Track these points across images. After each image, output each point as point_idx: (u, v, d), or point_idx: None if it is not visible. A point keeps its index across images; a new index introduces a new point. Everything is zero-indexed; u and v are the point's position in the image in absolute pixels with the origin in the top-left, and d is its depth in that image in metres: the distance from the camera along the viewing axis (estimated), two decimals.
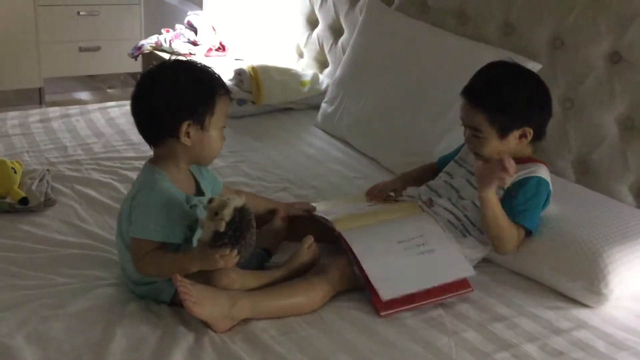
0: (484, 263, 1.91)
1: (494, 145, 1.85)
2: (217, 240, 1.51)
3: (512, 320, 1.69)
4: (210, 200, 1.53)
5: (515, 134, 1.85)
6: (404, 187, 2.09)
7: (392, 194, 2.08)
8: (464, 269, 1.78)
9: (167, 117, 1.62)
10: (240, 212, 1.52)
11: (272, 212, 1.97)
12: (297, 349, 1.52)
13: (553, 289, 1.83)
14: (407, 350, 1.55)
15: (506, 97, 1.83)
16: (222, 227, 1.49)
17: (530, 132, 1.85)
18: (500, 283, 1.85)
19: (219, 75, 1.70)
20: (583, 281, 1.76)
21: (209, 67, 1.70)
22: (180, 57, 1.77)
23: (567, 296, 1.80)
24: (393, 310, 1.67)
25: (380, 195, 2.06)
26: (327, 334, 1.59)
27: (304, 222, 1.95)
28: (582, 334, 1.66)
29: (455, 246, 1.83)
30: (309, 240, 1.79)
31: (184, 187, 1.69)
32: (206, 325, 1.57)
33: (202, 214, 1.63)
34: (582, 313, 1.75)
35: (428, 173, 2.11)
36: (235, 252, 1.52)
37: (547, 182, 1.85)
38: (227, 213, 1.49)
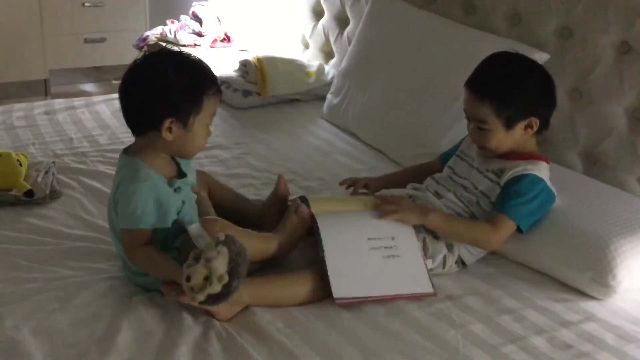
0: (490, 255, 1.91)
1: (499, 137, 1.84)
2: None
3: (520, 312, 1.68)
4: (188, 279, 1.45)
5: (521, 124, 1.84)
6: (376, 188, 2.08)
7: (364, 190, 2.07)
8: (423, 285, 1.72)
9: (151, 111, 1.61)
10: (221, 288, 1.46)
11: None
12: (304, 342, 1.52)
13: (561, 281, 1.82)
14: (414, 343, 1.54)
15: (512, 88, 1.81)
16: (196, 304, 1.48)
17: (536, 122, 1.84)
18: (507, 275, 1.84)
19: (211, 72, 1.67)
20: (591, 273, 1.75)
21: (202, 62, 1.67)
22: (174, 48, 1.74)
23: (574, 288, 1.79)
24: (348, 300, 1.65)
25: (354, 185, 2.07)
26: (333, 326, 1.58)
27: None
28: (590, 326, 1.65)
29: (422, 259, 1.78)
30: (295, 204, 1.80)
31: (165, 171, 1.67)
32: (209, 314, 1.57)
33: (188, 195, 1.67)
34: (590, 305, 1.74)
35: (424, 173, 2.06)
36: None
37: (544, 181, 1.83)
38: (200, 297, 1.45)
